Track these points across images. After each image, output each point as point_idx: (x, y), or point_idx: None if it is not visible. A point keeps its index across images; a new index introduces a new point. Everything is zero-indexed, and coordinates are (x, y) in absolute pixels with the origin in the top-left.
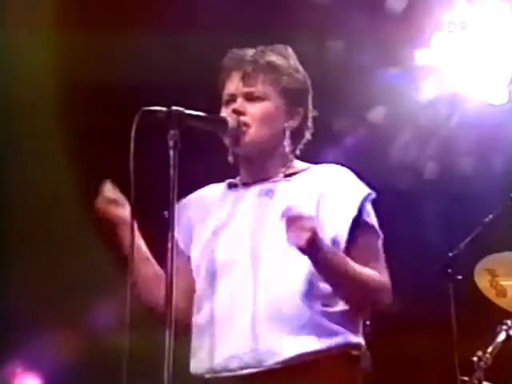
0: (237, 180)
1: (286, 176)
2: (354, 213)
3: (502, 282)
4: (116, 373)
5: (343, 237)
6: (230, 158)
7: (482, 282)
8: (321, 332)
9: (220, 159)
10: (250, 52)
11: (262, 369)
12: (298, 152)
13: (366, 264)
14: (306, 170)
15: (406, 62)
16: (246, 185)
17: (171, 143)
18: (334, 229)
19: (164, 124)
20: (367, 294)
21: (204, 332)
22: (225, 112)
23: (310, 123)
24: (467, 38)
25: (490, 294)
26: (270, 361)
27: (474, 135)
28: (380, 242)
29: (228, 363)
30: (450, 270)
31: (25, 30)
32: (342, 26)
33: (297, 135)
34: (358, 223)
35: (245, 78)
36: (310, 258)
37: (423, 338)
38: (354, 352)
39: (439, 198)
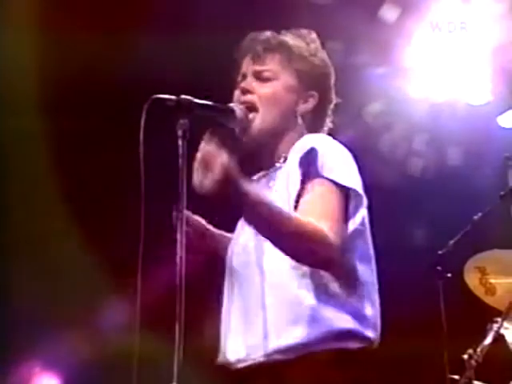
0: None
1: (286, 159)
2: (297, 171)
3: (492, 280)
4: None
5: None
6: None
7: (472, 279)
8: (319, 322)
9: None
10: (266, 33)
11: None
12: None
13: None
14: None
15: (390, 63)
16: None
17: (180, 132)
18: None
19: (173, 113)
20: (301, 243)
21: (223, 325)
22: (235, 95)
23: (329, 110)
24: (450, 38)
25: (480, 291)
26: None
27: (461, 135)
28: (336, 196)
29: (240, 355)
30: (439, 268)
31: (20, 30)
32: (334, 26)
33: (313, 120)
34: (304, 179)
35: (255, 57)
36: (231, 200)
37: (412, 336)
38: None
39: (428, 196)
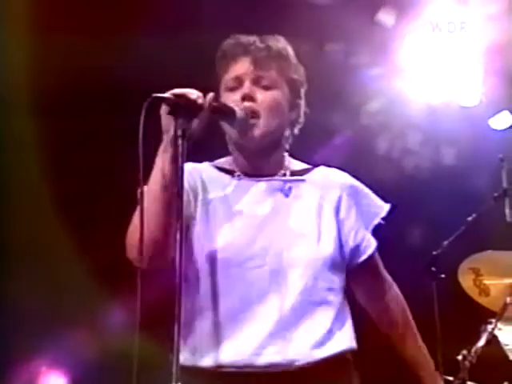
0: (231, 167)
1: (294, 174)
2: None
3: (486, 281)
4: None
5: (370, 247)
6: (231, 148)
7: (466, 280)
8: (336, 338)
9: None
10: (256, 38)
11: (277, 370)
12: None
13: (373, 282)
14: (313, 169)
15: (387, 64)
16: (247, 175)
17: (179, 132)
18: (360, 236)
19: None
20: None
21: (224, 325)
22: (228, 98)
23: (301, 119)
24: (445, 40)
25: (474, 293)
26: (296, 362)
27: (455, 136)
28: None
29: (248, 360)
30: (433, 269)
31: (19, 30)
32: (333, 27)
33: (291, 128)
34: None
35: (257, 63)
36: None
37: None
38: (349, 356)
39: (422, 197)
